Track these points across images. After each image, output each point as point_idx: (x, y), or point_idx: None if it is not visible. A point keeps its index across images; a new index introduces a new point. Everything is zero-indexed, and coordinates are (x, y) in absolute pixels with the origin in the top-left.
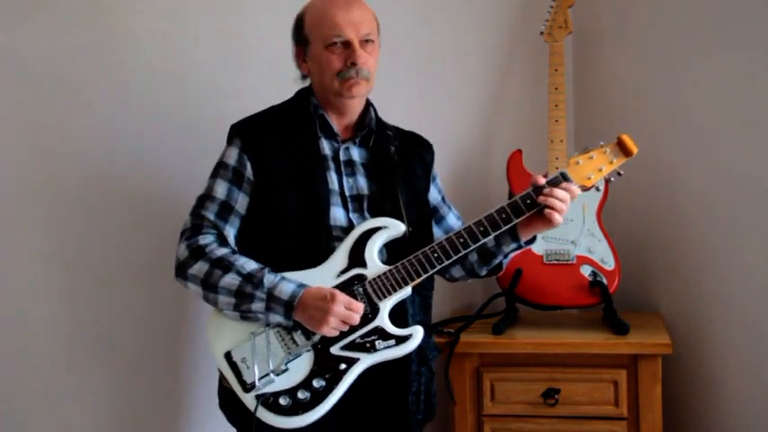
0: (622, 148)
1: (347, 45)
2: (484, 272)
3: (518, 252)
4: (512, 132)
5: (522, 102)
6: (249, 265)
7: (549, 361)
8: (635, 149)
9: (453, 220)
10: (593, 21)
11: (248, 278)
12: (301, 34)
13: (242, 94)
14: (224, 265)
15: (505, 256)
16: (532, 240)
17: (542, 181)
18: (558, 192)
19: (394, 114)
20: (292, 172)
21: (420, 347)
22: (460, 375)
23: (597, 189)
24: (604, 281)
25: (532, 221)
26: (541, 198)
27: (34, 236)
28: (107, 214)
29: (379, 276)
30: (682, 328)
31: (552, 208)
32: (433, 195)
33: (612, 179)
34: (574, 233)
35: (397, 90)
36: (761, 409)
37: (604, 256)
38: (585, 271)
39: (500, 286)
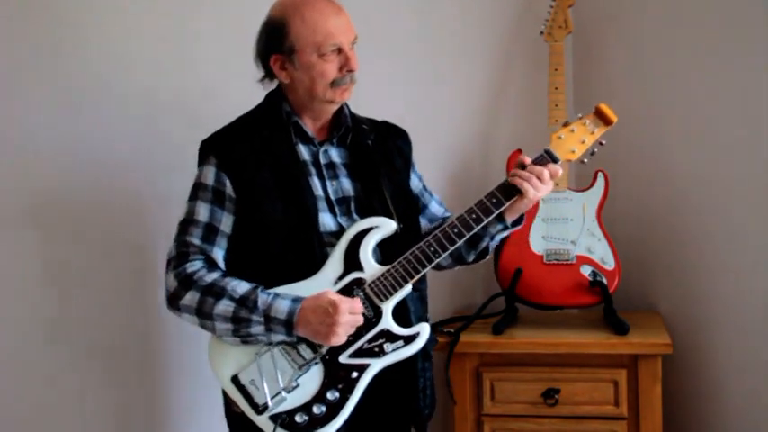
0: (601, 118)
1: (339, 51)
2: (472, 257)
3: (505, 234)
4: (512, 132)
5: (522, 102)
6: (241, 287)
7: (549, 361)
8: (614, 118)
9: (436, 207)
10: (593, 21)
11: (242, 302)
12: (284, 42)
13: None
14: (215, 292)
15: (492, 239)
16: (519, 221)
17: (528, 161)
18: (523, 173)
19: (394, 114)
20: (275, 183)
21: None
22: (460, 375)
23: (582, 162)
24: (604, 280)
25: (516, 201)
26: (511, 179)
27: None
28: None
29: (378, 278)
30: (682, 328)
31: (526, 181)
32: (415, 183)
33: (595, 150)
34: (574, 233)
35: (396, 90)
36: (761, 409)
37: (604, 255)
38: (585, 271)
39: (500, 286)
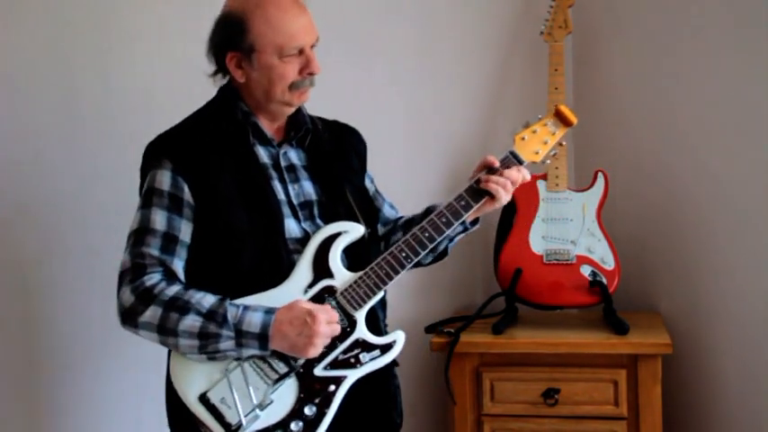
0: (561, 119)
1: (300, 52)
2: (429, 259)
3: (463, 235)
4: (511, 133)
5: (522, 102)
6: (207, 300)
7: (549, 361)
8: (574, 119)
9: (389, 210)
10: (593, 21)
11: (210, 316)
12: (243, 40)
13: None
14: (179, 306)
15: (451, 241)
16: (476, 222)
17: (496, 163)
18: (498, 179)
19: (393, 115)
20: (237, 189)
21: None
22: (460, 375)
23: (543, 162)
24: (604, 281)
25: (484, 204)
26: (483, 184)
27: None
28: None
29: (350, 285)
30: (682, 328)
31: (502, 187)
32: (368, 185)
33: (556, 151)
34: (574, 233)
35: (396, 90)
36: (760, 409)
37: (604, 255)
38: (585, 271)
39: (500, 286)
